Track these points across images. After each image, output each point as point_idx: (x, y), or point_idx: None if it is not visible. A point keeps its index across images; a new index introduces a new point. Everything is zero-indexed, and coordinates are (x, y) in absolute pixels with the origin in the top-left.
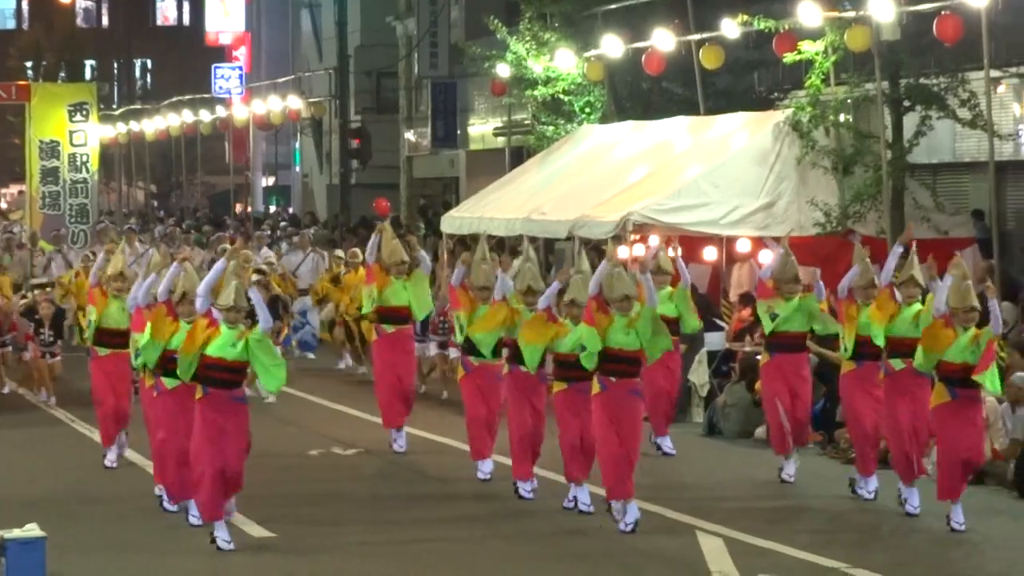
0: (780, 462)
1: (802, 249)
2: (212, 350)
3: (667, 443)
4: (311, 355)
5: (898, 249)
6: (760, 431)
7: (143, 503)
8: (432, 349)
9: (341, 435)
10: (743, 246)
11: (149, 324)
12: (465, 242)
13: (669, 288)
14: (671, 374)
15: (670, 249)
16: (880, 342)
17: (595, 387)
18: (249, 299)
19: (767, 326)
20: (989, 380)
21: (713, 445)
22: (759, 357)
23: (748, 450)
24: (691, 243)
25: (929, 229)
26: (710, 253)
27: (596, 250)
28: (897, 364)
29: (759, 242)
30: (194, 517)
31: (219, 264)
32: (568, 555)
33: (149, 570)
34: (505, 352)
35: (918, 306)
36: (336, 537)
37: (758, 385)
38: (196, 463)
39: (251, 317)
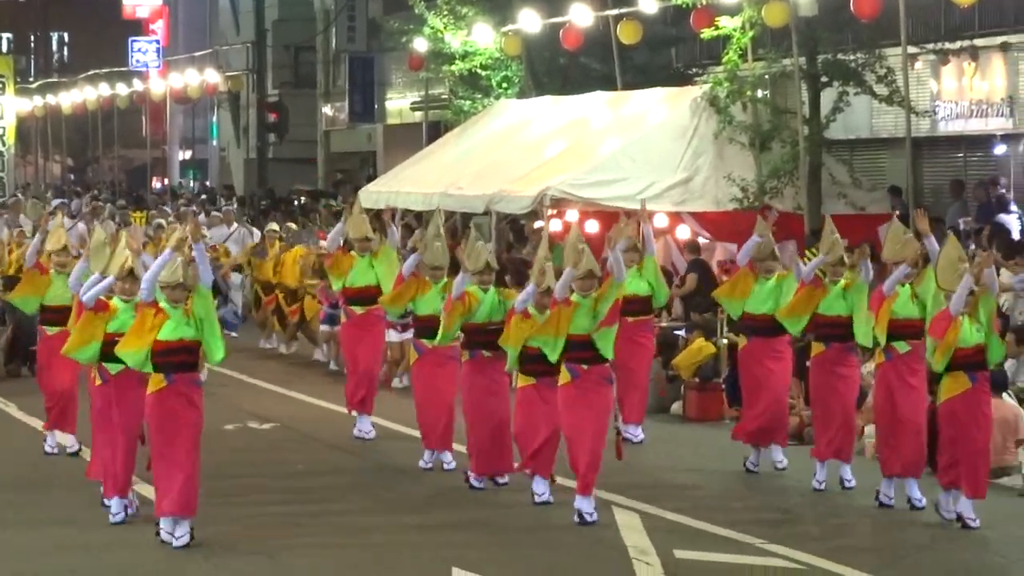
0: (747, 450)
1: (720, 225)
2: (167, 334)
3: (629, 430)
4: (233, 333)
5: (904, 269)
6: (676, 406)
7: (70, 480)
8: (392, 336)
9: (256, 410)
10: (660, 221)
11: (78, 328)
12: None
13: (634, 266)
14: (648, 353)
15: (642, 224)
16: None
17: (564, 376)
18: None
19: (735, 312)
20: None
21: None
22: (678, 333)
23: (663, 425)
24: (607, 218)
25: (846, 205)
26: None
27: (512, 225)
28: (902, 347)
29: (676, 217)
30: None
31: (165, 254)
32: (478, 527)
33: (67, 545)
34: (461, 337)
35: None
36: (255, 511)
37: (675, 361)
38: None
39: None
